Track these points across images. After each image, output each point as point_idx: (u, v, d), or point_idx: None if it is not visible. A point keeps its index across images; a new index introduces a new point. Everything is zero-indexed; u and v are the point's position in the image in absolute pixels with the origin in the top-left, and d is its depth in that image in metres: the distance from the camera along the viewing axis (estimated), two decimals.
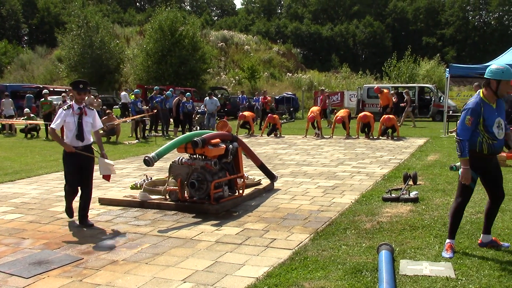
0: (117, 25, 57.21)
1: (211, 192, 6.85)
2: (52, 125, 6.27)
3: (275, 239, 5.59)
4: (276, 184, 8.71)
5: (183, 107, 19.10)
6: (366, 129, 17.19)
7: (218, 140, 7.29)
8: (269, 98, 24.67)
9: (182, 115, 19.22)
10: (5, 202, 7.80)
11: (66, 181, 6.43)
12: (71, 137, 6.23)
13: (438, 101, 27.92)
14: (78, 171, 6.26)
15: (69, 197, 6.49)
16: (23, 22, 75.36)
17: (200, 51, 39.56)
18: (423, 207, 6.74)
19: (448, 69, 17.76)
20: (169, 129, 19.97)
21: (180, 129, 19.80)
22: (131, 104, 18.74)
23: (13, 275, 4.59)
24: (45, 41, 65.18)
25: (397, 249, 5.01)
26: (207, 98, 19.99)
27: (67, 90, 29.91)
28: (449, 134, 17.89)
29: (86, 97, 20.95)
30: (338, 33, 79.51)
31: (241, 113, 20.31)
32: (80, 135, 6.22)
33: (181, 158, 7.23)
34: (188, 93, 20.63)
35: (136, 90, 21.57)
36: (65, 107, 6.33)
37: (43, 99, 19.79)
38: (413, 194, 7.25)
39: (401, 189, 7.66)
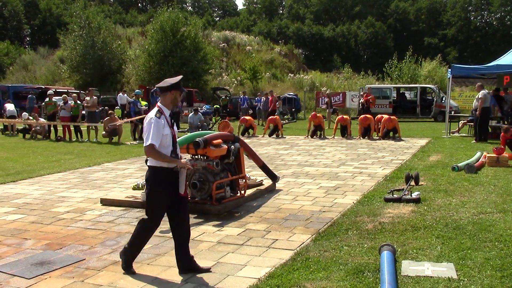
0: (119, 26, 57.30)
1: (213, 192, 6.84)
2: (152, 141, 4.37)
3: (276, 239, 5.59)
4: (278, 185, 8.71)
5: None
6: (367, 132, 17.21)
7: (220, 140, 7.29)
8: (372, 96, 23.46)
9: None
10: (7, 202, 7.81)
11: (154, 216, 4.65)
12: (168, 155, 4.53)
13: (440, 101, 27.92)
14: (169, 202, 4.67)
15: (146, 238, 4.75)
16: (25, 23, 75.55)
17: (202, 52, 39.60)
18: (425, 207, 6.73)
19: (450, 70, 17.74)
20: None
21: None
22: (131, 104, 18.74)
23: (15, 275, 4.60)
24: (47, 41, 65.31)
25: (399, 249, 5.00)
26: (192, 114, 20.02)
27: (68, 90, 29.99)
28: (451, 134, 17.87)
29: (94, 98, 20.70)
30: (340, 34, 79.51)
31: (242, 117, 20.28)
32: (175, 150, 4.61)
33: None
34: None
35: (137, 90, 21.57)
36: (157, 114, 4.49)
37: (47, 99, 19.81)
38: (415, 194, 7.24)
39: (403, 189, 7.65)
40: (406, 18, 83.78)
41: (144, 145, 4.43)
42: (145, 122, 4.52)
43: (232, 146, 7.49)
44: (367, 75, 45.18)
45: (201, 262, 4.86)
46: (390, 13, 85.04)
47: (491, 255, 4.77)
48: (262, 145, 15.83)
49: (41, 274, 4.62)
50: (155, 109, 4.57)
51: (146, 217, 4.67)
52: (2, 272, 4.69)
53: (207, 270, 4.64)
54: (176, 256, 4.68)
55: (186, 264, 4.63)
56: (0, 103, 31.47)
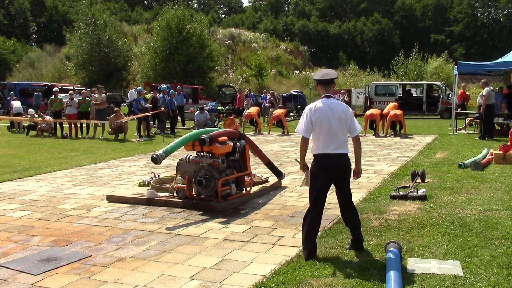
0: (124, 23, 57.39)
1: (218, 189, 6.85)
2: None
3: (282, 236, 5.59)
4: (284, 182, 8.71)
5: (170, 104, 19.34)
6: (374, 126, 17.17)
7: (225, 137, 7.29)
8: (468, 93, 21.98)
9: (172, 112, 19.50)
10: (14, 199, 7.85)
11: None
12: None
13: (446, 98, 27.77)
14: None
15: None
16: (32, 21, 75.78)
17: (208, 49, 39.61)
18: (431, 205, 6.71)
19: (456, 67, 17.65)
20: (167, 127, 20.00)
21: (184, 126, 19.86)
22: (134, 102, 18.77)
23: (22, 272, 4.62)
24: (53, 39, 65.48)
25: (405, 247, 4.99)
26: (198, 112, 20.05)
27: (74, 87, 30.07)
28: (457, 131, 17.80)
29: (103, 95, 20.61)
30: (346, 31, 79.30)
31: (247, 113, 20.24)
32: None
33: (188, 155, 7.25)
34: (172, 91, 20.83)
35: (139, 87, 21.58)
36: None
37: (53, 96, 19.88)
38: (421, 192, 7.22)
39: (409, 186, 7.63)
40: (413, 14, 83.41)
41: (356, 133, 5.05)
42: (346, 111, 4.90)
43: (238, 143, 7.49)
44: (373, 72, 45.06)
45: (207, 259, 4.88)
46: (396, 10, 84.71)
47: (498, 253, 4.75)
48: (268, 142, 15.83)
49: (47, 271, 4.64)
50: (332, 99, 4.89)
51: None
52: (9, 268, 4.72)
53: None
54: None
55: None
56: (7, 101, 31.63)
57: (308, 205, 5.02)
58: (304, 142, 4.95)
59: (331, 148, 4.85)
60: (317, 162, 4.89)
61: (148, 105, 18.77)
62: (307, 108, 4.90)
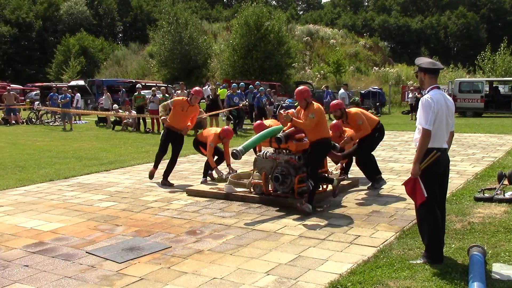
0: (205, 21, 58.72)
1: (295, 186, 6.86)
2: None
3: (359, 235, 5.51)
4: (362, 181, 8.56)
5: (258, 102, 19.50)
6: None
7: (302, 135, 7.28)
8: None
9: (257, 109, 19.65)
10: (101, 190, 8.28)
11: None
12: None
13: None
14: None
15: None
16: (118, 20, 79.45)
17: (285, 46, 39.63)
18: None
19: None
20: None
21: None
22: (227, 98, 19.13)
23: (108, 259, 4.87)
24: (137, 37, 68.24)
25: (490, 252, 4.76)
26: (343, 90, 20.42)
27: (156, 84, 31.17)
28: None
29: (185, 91, 20.97)
30: (429, 25, 76.68)
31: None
32: None
33: (265, 152, 7.30)
34: (261, 88, 20.95)
35: (234, 84, 21.84)
36: None
37: (136, 93, 20.86)
38: (508, 194, 6.85)
39: (495, 188, 7.27)
40: (501, 7, 79.15)
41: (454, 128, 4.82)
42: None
43: None
44: (456, 68, 43.21)
45: (283, 255, 4.90)
46: (483, 3, 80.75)
47: None
48: None
49: (131, 259, 4.86)
50: (442, 91, 4.65)
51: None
52: (96, 255, 4.99)
53: None
54: None
55: None
56: (96, 97, 33.33)
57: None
58: (430, 136, 4.46)
59: (444, 142, 4.62)
60: (433, 157, 4.56)
61: (243, 102, 18.99)
62: (428, 99, 4.47)
